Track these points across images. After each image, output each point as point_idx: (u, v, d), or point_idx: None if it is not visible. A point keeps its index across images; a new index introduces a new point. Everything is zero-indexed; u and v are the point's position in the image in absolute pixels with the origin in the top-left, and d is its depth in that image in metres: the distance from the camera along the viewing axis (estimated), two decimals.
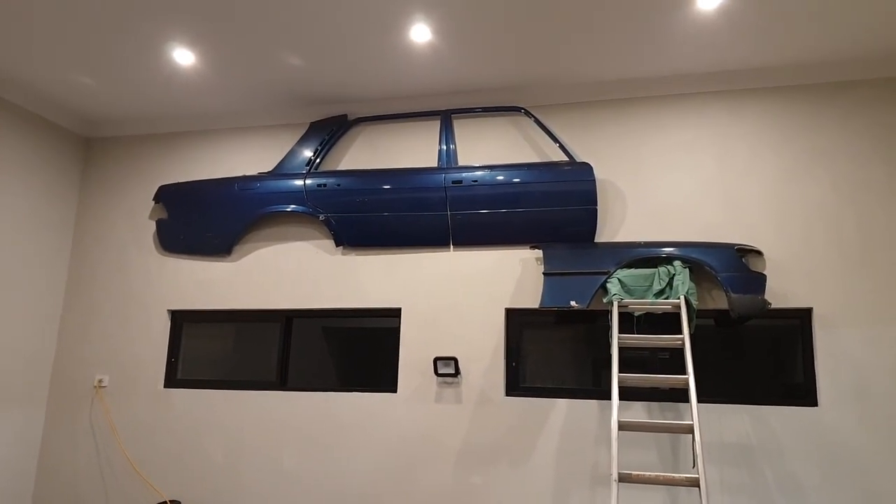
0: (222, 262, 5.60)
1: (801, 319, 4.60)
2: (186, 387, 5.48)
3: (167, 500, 5.24)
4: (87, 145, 6.19)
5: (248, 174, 5.64)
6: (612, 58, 4.77)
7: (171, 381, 5.56)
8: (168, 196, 5.75)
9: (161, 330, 5.62)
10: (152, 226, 5.82)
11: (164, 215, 5.79)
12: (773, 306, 4.48)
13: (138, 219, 5.88)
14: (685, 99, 5.02)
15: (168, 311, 5.65)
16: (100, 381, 5.61)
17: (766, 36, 4.46)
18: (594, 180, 4.86)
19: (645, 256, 4.66)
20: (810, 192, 4.68)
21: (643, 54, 4.72)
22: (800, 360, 4.58)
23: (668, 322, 4.70)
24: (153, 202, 5.85)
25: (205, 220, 5.62)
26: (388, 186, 5.20)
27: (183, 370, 5.63)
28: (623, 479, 3.75)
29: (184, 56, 4.87)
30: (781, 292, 4.57)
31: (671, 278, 4.54)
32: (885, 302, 4.43)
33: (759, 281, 4.44)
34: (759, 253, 4.63)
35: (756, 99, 4.90)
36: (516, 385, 4.92)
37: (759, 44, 4.55)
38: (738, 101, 4.93)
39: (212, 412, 5.35)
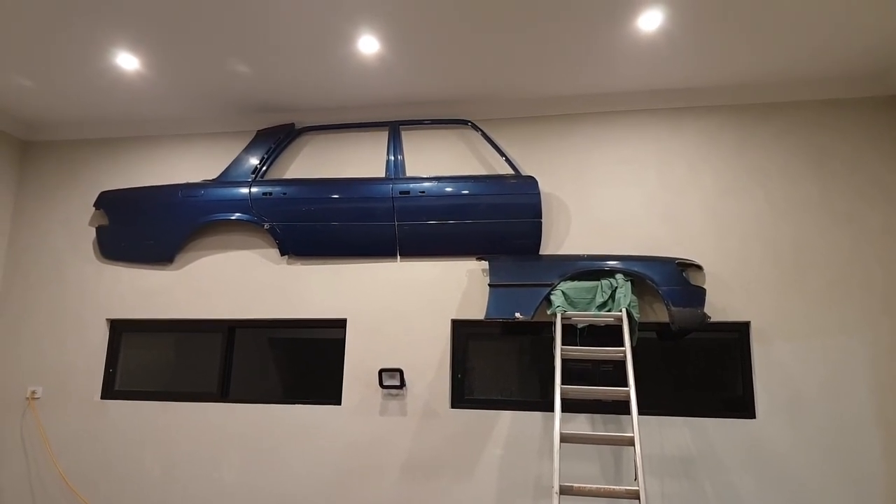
0: (164, 270, 5.48)
1: (739, 333, 4.70)
2: (124, 398, 5.32)
3: None
4: (25, 149, 6.00)
5: (192, 181, 5.54)
6: (557, 74, 4.84)
7: (109, 392, 5.39)
8: (109, 202, 5.60)
9: (99, 340, 5.46)
10: (91, 232, 5.66)
11: (104, 222, 5.63)
12: (712, 320, 4.56)
13: (77, 225, 5.72)
14: (627, 116, 5.11)
15: (107, 320, 5.49)
16: (32, 392, 5.41)
17: (704, 57, 4.57)
18: (539, 193, 4.91)
19: (588, 269, 4.71)
20: (747, 208, 4.81)
21: (587, 72, 4.80)
22: (739, 372, 4.67)
23: (612, 334, 4.73)
24: (94, 208, 5.69)
25: (147, 227, 5.49)
26: (335, 196, 5.16)
27: (121, 381, 5.46)
28: (564, 491, 3.76)
29: (128, 61, 4.78)
30: (720, 306, 4.67)
31: (613, 291, 4.59)
32: (817, 316, 4.56)
33: (699, 295, 4.53)
34: (699, 267, 4.73)
35: (695, 117, 5.02)
36: (461, 397, 4.91)
37: (697, 64, 4.67)
38: (677, 119, 5.04)
39: (150, 424, 5.20)
